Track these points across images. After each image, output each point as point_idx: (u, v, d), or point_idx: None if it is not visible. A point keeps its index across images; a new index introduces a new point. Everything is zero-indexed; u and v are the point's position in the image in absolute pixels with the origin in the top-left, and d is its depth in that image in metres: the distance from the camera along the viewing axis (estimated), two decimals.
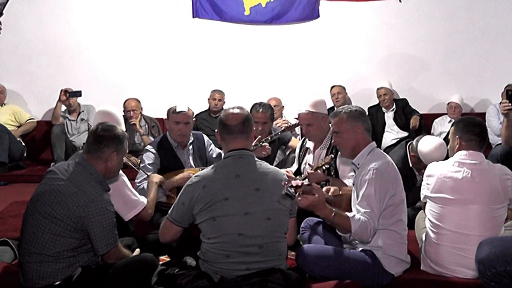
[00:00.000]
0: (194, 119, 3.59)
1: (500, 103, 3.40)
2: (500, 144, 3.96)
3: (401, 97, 5.95)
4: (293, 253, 2.69)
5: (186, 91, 5.85)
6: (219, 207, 2.23)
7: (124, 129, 2.77)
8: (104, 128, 2.43)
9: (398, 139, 5.49)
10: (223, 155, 2.42)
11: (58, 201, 2.24)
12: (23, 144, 5.47)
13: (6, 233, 3.12)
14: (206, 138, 3.69)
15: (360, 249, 2.47)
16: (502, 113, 3.42)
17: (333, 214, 2.22)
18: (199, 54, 6.10)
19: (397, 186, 2.43)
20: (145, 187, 3.20)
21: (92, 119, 4.36)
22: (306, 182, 2.15)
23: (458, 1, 5.98)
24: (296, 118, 3.71)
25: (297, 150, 3.72)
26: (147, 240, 2.89)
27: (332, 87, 5.82)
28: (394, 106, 5.75)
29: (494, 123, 5.26)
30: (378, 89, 5.75)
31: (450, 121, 5.52)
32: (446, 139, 4.59)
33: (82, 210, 2.23)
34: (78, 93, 5.33)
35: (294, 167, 3.71)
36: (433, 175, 2.54)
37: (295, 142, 4.09)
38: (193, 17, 6.05)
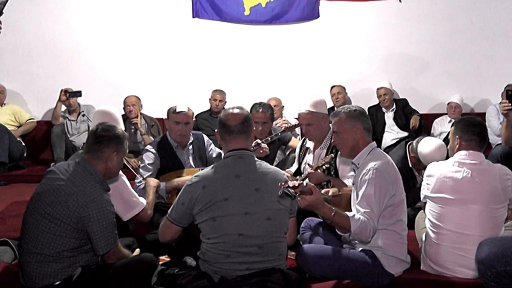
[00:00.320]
0: (194, 119, 3.59)
1: (500, 103, 3.40)
2: (500, 144, 3.96)
3: (401, 97, 5.95)
4: (293, 253, 2.69)
5: (186, 91, 5.85)
6: (219, 207, 2.23)
7: (123, 128, 2.77)
8: (104, 128, 2.43)
9: (398, 139, 5.49)
10: (223, 155, 2.42)
11: (58, 201, 2.24)
12: (23, 144, 5.47)
13: (6, 233, 3.11)
14: (206, 138, 3.69)
15: (360, 249, 2.47)
16: (502, 113, 3.41)
17: (332, 213, 2.22)
18: (199, 54, 6.10)
19: (397, 186, 2.43)
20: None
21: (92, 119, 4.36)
22: (305, 182, 2.15)
23: (458, 1, 5.99)
24: (296, 118, 3.71)
25: (297, 150, 3.72)
26: (147, 240, 2.89)
27: (332, 87, 5.82)
28: (394, 106, 5.75)
29: (494, 123, 5.26)
30: (378, 89, 5.75)
31: (450, 121, 5.53)
32: (446, 139, 4.60)
33: (82, 210, 2.23)
34: (78, 93, 5.33)
35: (294, 167, 3.71)
36: (433, 175, 2.54)
37: (295, 142, 4.09)
38: (193, 17, 6.05)
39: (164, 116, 3.53)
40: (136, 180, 3.28)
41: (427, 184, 2.57)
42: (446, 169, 2.52)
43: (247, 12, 6.05)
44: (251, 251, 2.23)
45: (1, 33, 2.76)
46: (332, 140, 2.91)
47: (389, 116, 5.74)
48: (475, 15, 5.97)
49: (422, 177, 2.71)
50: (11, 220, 3.52)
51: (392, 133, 5.67)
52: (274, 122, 4.38)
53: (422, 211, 2.84)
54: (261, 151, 3.53)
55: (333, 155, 3.19)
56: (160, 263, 2.66)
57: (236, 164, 2.30)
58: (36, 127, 5.77)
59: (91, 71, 5.99)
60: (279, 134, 3.90)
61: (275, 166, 3.06)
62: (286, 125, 4.88)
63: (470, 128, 2.54)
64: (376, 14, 6.04)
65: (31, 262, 2.25)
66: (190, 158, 3.52)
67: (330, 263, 2.40)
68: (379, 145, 5.25)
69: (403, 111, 5.71)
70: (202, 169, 2.49)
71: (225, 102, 5.59)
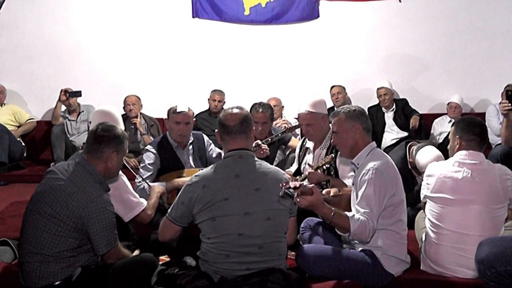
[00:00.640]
0: (194, 119, 3.59)
1: (500, 103, 3.40)
2: (500, 144, 3.96)
3: (401, 97, 5.96)
4: (293, 253, 2.69)
5: (186, 91, 5.85)
6: (219, 207, 2.23)
7: (123, 128, 2.76)
8: (104, 128, 2.43)
9: (398, 139, 5.50)
10: (223, 155, 2.43)
11: (58, 201, 2.24)
12: (23, 144, 5.47)
13: (6, 233, 3.12)
14: (206, 138, 3.69)
15: (360, 249, 2.47)
16: (502, 113, 3.42)
17: (332, 214, 2.22)
18: (199, 54, 6.10)
19: (397, 186, 2.43)
20: (145, 187, 3.20)
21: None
22: (305, 182, 2.16)
23: (458, 1, 5.99)
24: (296, 118, 3.71)
25: (297, 150, 3.72)
26: (150, 240, 2.89)
27: (332, 87, 5.82)
28: (394, 106, 5.75)
29: (494, 123, 5.26)
30: (378, 89, 5.75)
31: (450, 121, 5.53)
32: (446, 139, 4.61)
33: (82, 210, 2.23)
34: (78, 93, 5.33)
35: (294, 167, 3.71)
36: (433, 175, 2.54)
37: (295, 142, 4.09)
38: (193, 17, 6.05)
39: (164, 116, 3.53)
40: (136, 180, 3.28)
41: (427, 184, 2.57)
42: (446, 169, 2.52)
43: (247, 12, 6.06)
44: (251, 251, 2.23)
45: None
46: (332, 140, 2.91)
47: (389, 116, 5.74)
48: (475, 15, 5.97)
49: (422, 177, 2.71)
50: (11, 220, 3.52)
51: (392, 133, 5.67)
52: (274, 122, 4.38)
53: (422, 211, 2.84)
54: (262, 152, 3.53)
55: (333, 155, 3.19)
56: (160, 263, 2.65)
57: (236, 164, 2.30)
58: (36, 127, 5.77)
59: (91, 71, 6.00)
60: (279, 135, 3.90)
61: (275, 166, 3.06)
62: (286, 125, 4.89)
63: (470, 128, 2.54)
64: (376, 14, 6.04)
65: (31, 262, 2.25)
66: (190, 158, 3.52)
67: (330, 263, 2.40)
68: (379, 145, 5.25)
69: (403, 111, 5.71)
70: (202, 169, 2.49)
71: (224, 102, 5.59)
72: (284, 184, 2.06)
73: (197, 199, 2.25)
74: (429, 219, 2.55)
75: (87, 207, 2.23)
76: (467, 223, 2.42)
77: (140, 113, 5.34)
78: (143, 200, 2.87)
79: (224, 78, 5.96)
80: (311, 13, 6.07)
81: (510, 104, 3.17)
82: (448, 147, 2.70)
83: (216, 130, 2.44)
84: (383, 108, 5.77)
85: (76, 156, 2.86)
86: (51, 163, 4.81)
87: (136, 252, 2.64)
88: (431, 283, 2.46)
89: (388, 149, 5.07)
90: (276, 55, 6.13)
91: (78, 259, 2.29)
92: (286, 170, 3.69)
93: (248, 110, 2.57)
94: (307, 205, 2.14)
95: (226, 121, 2.34)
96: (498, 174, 2.48)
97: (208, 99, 5.63)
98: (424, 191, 2.60)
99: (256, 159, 2.36)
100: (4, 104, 5.68)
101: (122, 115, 3.90)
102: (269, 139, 3.77)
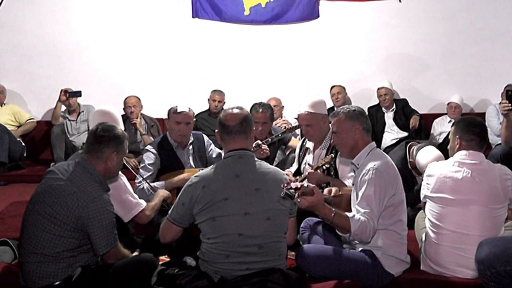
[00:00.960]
0: (194, 119, 3.59)
1: (500, 103, 3.40)
2: (500, 144, 3.96)
3: (401, 97, 5.95)
4: (293, 253, 2.69)
5: (186, 91, 5.85)
6: (219, 207, 2.23)
7: (123, 128, 2.76)
8: (104, 128, 2.43)
9: (398, 139, 5.50)
10: (223, 155, 2.43)
11: (58, 201, 2.24)
12: (23, 144, 5.47)
13: (6, 233, 3.12)
14: (206, 138, 3.69)
15: (360, 249, 2.47)
16: (502, 113, 3.42)
17: (332, 214, 2.22)
18: (199, 54, 6.10)
19: (397, 186, 2.43)
20: (145, 187, 3.20)
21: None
22: (305, 182, 2.16)
23: (458, 1, 5.99)
24: (295, 118, 3.71)
25: (297, 150, 3.72)
26: (151, 240, 2.89)
27: (332, 87, 5.82)
28: (394, 106, 5.75)
29: (494, 123, 5.26)
30: (378, 88, 5.75)
31: (450, 121, 5.53)
32: (446, 139, 4.60)
33: (82, 210, 2.23)
34: (78, 93, 5.33)
35: (294, 167, 3.71)
36: (433, 175, 2.54)
37: (295, 142, 4.09)
38: (193, 17, 6.05)
39: (164, 116, 3.53)
40: (136, 180, 3.28)
41: (427, 184, 2.57)
42: (446, 169, 2.52)
43: (247, 12, 6.05)
44: (251, 251, 2.23)
45: None
46: (332, 141, 2.92)
47: (389, 116, 5.74)
48: (475, 15, 5.97)
49: (422, 177, 2.71)
50: (11, 220, 3.52)
51: (392, 133, 5.67)
52: (274, 122, 4.38)
53: (422, 211, 2.84)
54: (262, 152, 3.53)
55: (332, 155, 3.19)
56: (160, 263, 2.65)
57: (236, 164, 2.30)
58: (36, 127, 5.76)
59: (91, 71, 5.99)
60: (280, 135, 3.90)
61: (275, 166, 3.07)
62: (285, 125, 4.89)
63: (470, 128, 2.54)
64: (376, 14, 6.04)
65: (31, 262, 2.25)
66: (190, 158, 3.52)
67: (330, 263, 2.40)
68: (379, 145, 5.24)
69: (403, 111, 5.71)
70: (202, 169, 2.49)
71: (224, 102, 5.58)
72: (285, 185, 2.06)
73: (197, 199, 2.25)
74: (429, 219, 2.55)
75: (87, 207, 2.23)
76: (467, 223, 2.42)
77: (140, 114, 5.34)
78: (142, 201, 2.87)
79: (224, 78, 5.96)
80: (311, 13, 6.07)
81: (510, 104, 3.17)
82: (448, 147, 2.70)
83: (216, 130, 2.44)
84: (383, 108, 5.77)
85: (76, 156, 2.86)
86: (51, 163, 4.81)
87: (136, 252, 2.64)
88: (431, 283, 2.46)
89: (388, 149, 5.07)
90: (276, 55, 6.13)
91: (78, 259, 2.29)
92: (286, 170, 3.68)
93: (248, 110, 2.56)
94: (307, 205, 2.13)
95: (226, 121, 2.34)
96: (498, 174, 2.48)
97: (208, 99, 5.63)
98: (424, 191, 2.60)
99: (256, 159, 2.36)
100: (4, 104, 5.68)
101: (122, 116, 3.90)
102: (269, 140, 3.77)
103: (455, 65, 6.05)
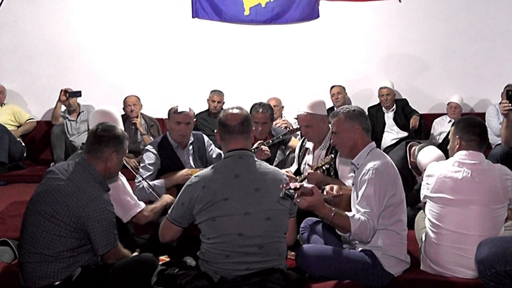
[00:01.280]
0: (194, 119, 3.59)
1: (500, 103, 3.40)
2: (500, 144, 3.96)
3: (401, 97, 5.95)
4: (293, 253, 2.69)
5: (186, 91, 5.85)
6: (219, 207, 2.23)
7: (123, 128, 2.76)
8: (104, 128, 2.43)
9: (398, 139, 5.50)
10: (223, 155, 2.43)
11: (58, 201, 2.24)
12: (23, 144, 5.47)
13: (6, 233, 3.12)
14: (206, 138, 3.69)
15: (360, 249, 2.47)
16: (502, 113, 3.42)
17: (332, 214, 2.22)
18: (199, 54, 6.10)
19: (397, 186, 2.43)
20: (144, 186, 3.20)
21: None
22: (305, 182, 2.15)
23: (458, 1, 5.99)
24: (295, 118, 3.71)
25: (297, 150, 3.72)
26: (152, 241, 2.89)
27: (332, 87, 5.82)
28: (394, 106, 5.75)
29: (494, 123, 5.26)
30: (381, 88, 5.73)
31: (450, 121, 5.53)
32: (446, 139, 4.60)
33: (82, 210, 2.23)
34: (78, 93, 5.33)
35: (294, 167, 3.71)
36: (433, 175, 2.54)
37: (295, 142, 4.09)
38: (193, 17, 6.05)
39: (164, 116, 3.53)
40: (135, 180, 3.28)
41: (427, 184, 2.57)
42: (446, 169, 2.52)
43: (246, 12, 6.05)
44: (251, 251, 2.23)
45: None
46: (332, 141, 2.92)
47: (389, 116, 5.74)
48: (475, 15, 5.97)
49: (422, 177, 2.71)
50: (11, 220, 3.53)
51: (392, 133, 5.67)
52: (274, 122, 4.37)
53: (422, 211, 2.84)
54: (263, 154, 3.53)
55: (332, 155, 3.19)
56: (160, 263, 2.65)
57: (235, 164, 2.30)
58: (36, 127, 5.76)
59: (91, 71, 5.99)
60: (281, 137, 3.89)
61: (275, 166, 3.07)
62: (285, 125, 4.89)
63: (470, 128, 2.54)
64: (376, 14, 6.04)
65: (31, 262, 2.25)
66: (190, 158, 3.52)
67: (330, 263, 2.40)
68: (379, 145, 5.24)
69: (403, 111, 5.71)
70: (202, 170, 2.49)
71: (223, 103, 5.58)
72: (285, 185, 2.06)
73: (197, 199, 2.25)
74: (429, 219, 2.56)
75: (87, 207, 2.23)
76: (467, 223, 2.42)
77: (140, 113, 5.34)
78: (141, 202, 2.87)
79: (224, 78, 5.96)
80: (311, 13, 6.07)
81: (510, 104, 3.17)
82: (448, 147, 2.70)
83: (215, 130, 2.43)
84: (383, 108, 5.77)
85: (76, 156, 2.86)
86: (51, 163, 4.82)
87: (136, 252, 2.64)
88: (431, 283, 2.46)
89: (388, 149, 5.07)
90: (276, 55, 6.13)
91: (78, 259, 2.29)
92: (286, 170, 3.68)
93: (248, 110, 2.56)
94: (307, 206, 2.13)
95: (227, 121, 2.34)
96: (498, 174, 2.48)
97: (208, 100, 5.63)
98: (424, 191, 2.60)
99: (255, 159, 2.36)
100: (4, 104, 5.68)
101: (122, 116, 3.90)
102: (270, 141, 3.77)
103: (455, 65, 6.05)
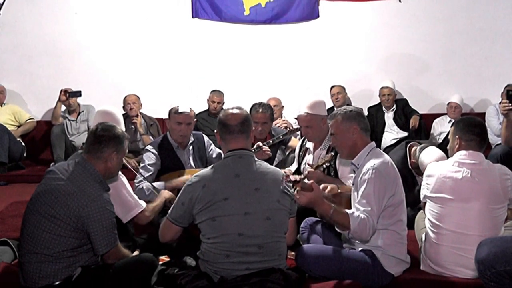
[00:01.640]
0: (195, 119, 3.59)
1: (500, 103, 3.40)
2: (500, 144, 3.95)
3: (401, 97, 5.95)
4: (293, 253, 2.69)
5: (186, 91, 5.85)
6: (219, 207, 2.23)
7: (124, 129, 2.76)
8: (104, 128, 2.43)
9: (398, 139, 5.50)
10: (223, 155, 2.43)
11: (58, 201, 2.24)
12: (23, 144, 5.47)
13: (6, 233, 3.12)
14: (206, 138, 3.69)
15: (359, 249, 2.47)
16: (502, 113, 3.42)
17: (331, 211, 2.22)
18: (199, 54, 6.09)
19: (396, 186, 2.43)
20: (144, 187, 3.20)
21: (92, 119, 4.37)
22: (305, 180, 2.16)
23: (458, 1, 5.99)
24: (295, 118, 3.71)
25: (297, 150, 3.72)
26: (150, 240, 2.89)
27: (332, 87, 5.81)
28: (394, 106, 5.75)
29: (494, 123, 5.26)
30: (382, 88, 5.72)
31: (450, 121, 5.52)
32: (446, 139, 4.60)
33: (82, 209, 2.23)
34: (78, 93, 5.33)
35: (294, 167, 3.71)
36: (433, 175, 2.54)
37: (295, 142, 4.09)
38: (193, 17, 6.05)
39: (164, 116, 3.53)
40: (135, 180, 3.28)
41: (427, 184, 2.57)
42: (446, 169, 2.52)
43: (246, 12, 6.05)
44: (250, 251, 2.23)
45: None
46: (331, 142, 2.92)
47: (389, 116, 5.74)
48: (475, 15, 5.97)
49: (422, 178, 2.71)
50: (11, 220, 3.53)
51: (392, 133, 5.67)
52: (274, 122, 4.38)
53: (422, 211, 2.84)
54: (263, 154, 3.52)
55: (333, 153, 3.18)
56: (160, 263, 2.65)
57: (235, 164, 2.30)
58: (36, 127, 5.76)
59: (91, 71, 5.99)
60: (281, 137, 3.89)
61: (275, 166, 3.07)
62: (285, 125, 4.89)
63: (470, 128, 2.54)
64: (376, 14, 6.04)
65: (31, 262, 2.25)
66: (191, 158, 3.51)
67: (330, 263, 2.40)
68: (379, 145, 5.24)
69: (403, 111, 5.71)
70: (202, 170, 2.49)
71: (223, 103, 5.57)
72: (285, 177, 2.06)
73: (197, 199, 2.25)
74: (429, 219, 2.56)
75: (87, 207, 2.23)
76: (467, 223, 2.42)
77: (140, 113, 5.35)
78: (142, 202, 2.87)
79: (224, 78, 5.95)
80: (311, 13, 6.07)
81: (510, 104, 3.17)
82: (448, 147, 2.70)
83: (215, 130, 2.43)
84: (383, 108, 5.77)
85: (76, 156, 2.86)
86: (51, 163, 4.81)
87: (136, 252, 2.64)
88: (431, 283, 2.46)
89: (388, 149, 5.07)
90: (276, 55, 6.12)
91: (78, 259, 2.29)
92: (286, 169, 3.68)
93: (248, 110, 2.56)
94: (306, 201, 2.14)
95: (228, 121, 2.35)
96: (498, 174, 2.48)
97: (208, 100, 5.63)
98: (424, 191, 2.60)
99: (256, 159, 2.36)
100: (4, 104, 5.68)
101: (122, 115, 3.89)
102: (270, 141, 3.77)
103: (455, 65, 6.05)
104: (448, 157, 2.69)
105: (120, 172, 2.67)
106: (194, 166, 3.47)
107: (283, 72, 6.11)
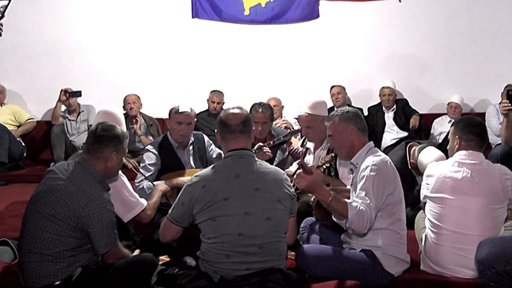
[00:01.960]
0: (195, 119, 3.59)
1: (500, 103, 3.40)
2: (500, 144, 3.95)
3: (401, 97, 5.95)
4: (293, 253, 2.69)
5: (186, 91, 5.85)
6: (219, 207, 2.23)
7: (124, 129, 2.76)
8: (104, 128, 2.43)
9: (398, 139, 5.50)
10: (223, 155, 2.42)
11: (58, 201, 2.24)
12: (23, 144, 5.47)
13: (6, 233, 3.12)
14: (206, 138, 3.69)
15: (359, 249, 2.47)
16: (502, 113, 3.42)
17: (330, 198, 2.21)
18: (199, 54, 6.10)
19: (395, 185, 2.42)
20: (144, 187, 3.20)
21: (92, 119, 4.38)
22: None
23: (458, 1, 5.99)
24: (295, 118, 3.71)
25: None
26: (149, 239, 2.89)
27: (332, 87, 5.82)
28: (394, 106, 5.75)
29: (494, 123, 5.27)
30: (383, 88, 5.72)
31: (450, 121, 5.53)
32: (446, 139, 4.60)
33: (82, 209, 2.23)
34: (78, 93, 5.34)
35: (294, 166, 3.71)
36: (433, 175, 2.54)
37: (295, 142, 4.09)
38: (193, 17, 6.05)
39: (164, 116, 3.53)
40: (136, 180, 3.28)
41: (427, 184, 2.57)
42: (445, 169, 2.52)
43: (246, 12, 6.06)
44: (251, 251, 2.23)
45: (2, 35, 2.77)
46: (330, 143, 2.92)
47: (389, 116, 5.74)
48: (475, 15, 5.97)
49: (422, 178, 2.71)
50: (11, 220, 3.53)
51: (392, 133, 5.67)
52: (274, 122, 4.37)
53: (422, 211, 2.84)
54: (264, 155, 3.52)
55: (333, 154, 3.17)
56: (160, 263, 2.65)
57: (236, 164, 2.30)
58: (36, 127, 5.76)
59: (91, 71, 5.99)
60: (282, 138, 3.88)
61: (275, 166, 3.06)
62: (285, 125, 4.89)
63: (470, 128, 2.54)
64: (376, 14, 6.04)
65: (31, 262, 2.25)
66: (191, 158, 3.51)
67: (330, 263, 2.40)
68: (379, 145, 5.25)
69: (403, 111, 5.71)
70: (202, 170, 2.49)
71: (223, 103, 5.57)
72: (287, 146, 2.04)
73: (197, 199, 2.25)
74: (429, 219, 2.56)
75: (87, 207, 2.23)
76: (467, 223, 2.42)
77: (140, 113, 5.35)
78: (143, 201, 2.87)
79: (224, 78, 5.96)
80: (311, 13, 6.07)
81: (510, 104, 3.17)
82: (448, 147, 2.70)
83: (216, 130, 2.43)
84: (383, 108, 5.77)
85: (76, 156, 2.86)
86: (51, 163, 4.81)
87: (136, 252, 2.64)
88: (431, 283, 2.46)
89: (388, 149, 5.07)
90: (276, 55, 6.13)
91: (78, 259, 2.29)
92: (286, 170, 3.68)
93: (248, 110, 2.56)
94: (306, 185, 2.14)
95: (229, 120, 2.34)
96: (497, 174, 2.48)
97: (207, 100, 5.63)
98: (424, 191, 2.60)
99: (256, 159, 2.36)
100: (4, 104, 5.68)
101: (123, 115, 3.90)
102: (271, 142, 3.76)
103: (455, 65, 6.06)
104: (448, 157, 2.69)
105: (120, 172, 2.67)
106: (194, 166, 3.47)
107: (283, 72, 6.11)
